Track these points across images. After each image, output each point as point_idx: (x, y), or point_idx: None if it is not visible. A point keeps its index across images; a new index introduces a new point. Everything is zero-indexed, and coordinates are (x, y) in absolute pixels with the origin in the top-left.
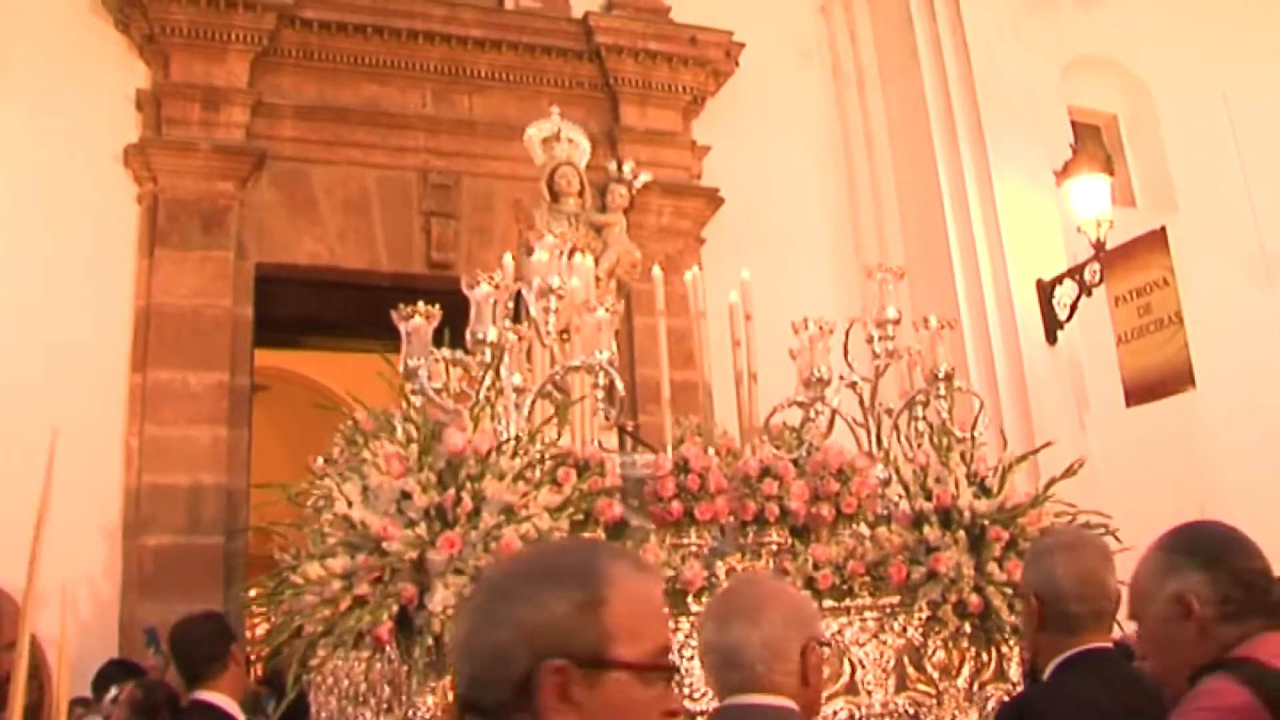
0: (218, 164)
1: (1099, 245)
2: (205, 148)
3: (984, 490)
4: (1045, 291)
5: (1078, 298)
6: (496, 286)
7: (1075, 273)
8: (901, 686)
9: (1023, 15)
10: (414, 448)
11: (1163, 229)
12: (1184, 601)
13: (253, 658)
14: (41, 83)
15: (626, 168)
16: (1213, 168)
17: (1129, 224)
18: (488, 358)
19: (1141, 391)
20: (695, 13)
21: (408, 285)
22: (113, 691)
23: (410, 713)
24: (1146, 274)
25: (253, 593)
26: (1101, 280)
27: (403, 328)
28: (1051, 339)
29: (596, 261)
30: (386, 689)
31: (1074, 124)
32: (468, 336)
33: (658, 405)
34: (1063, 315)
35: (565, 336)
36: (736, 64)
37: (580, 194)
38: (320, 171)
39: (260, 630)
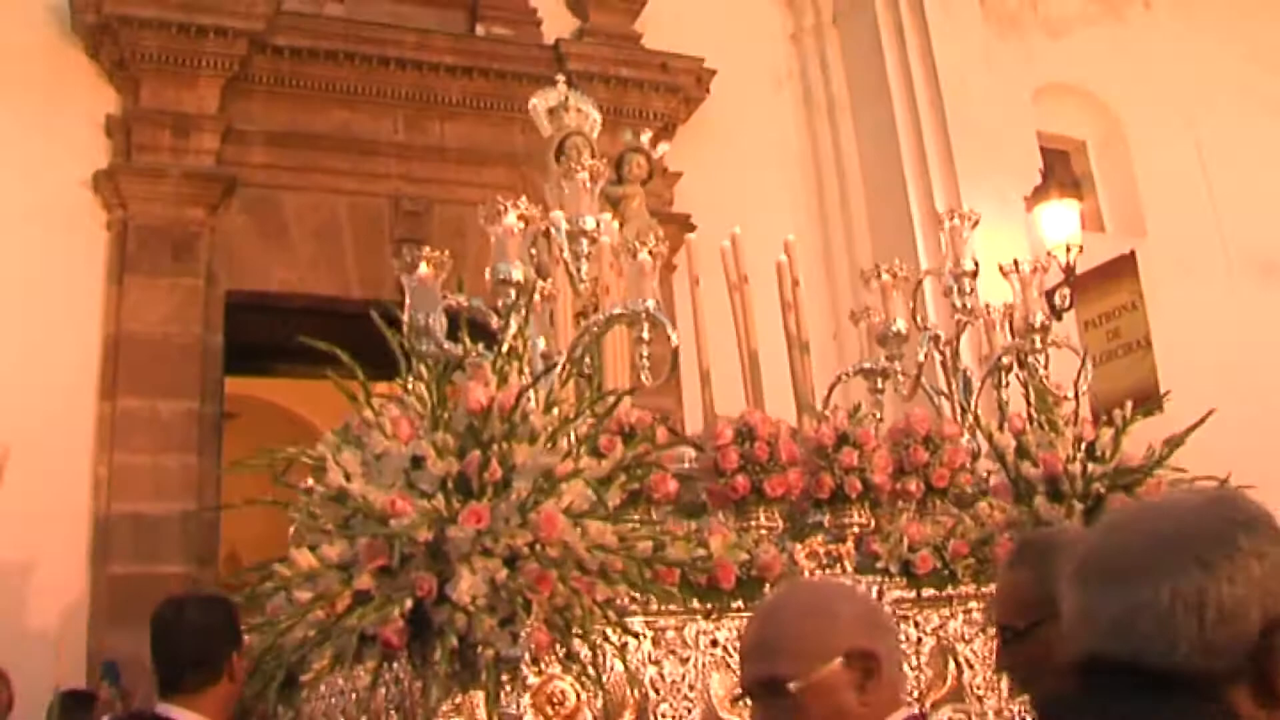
0: (188, 190)
1: (1069, 269)
2: (175, 174)
3: (1091, 455)
4: None
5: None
6: (522, 218)
7: (1045, 297)
8: None
9: (993, 42)
10: (428, 403)
11: (1132, 253)
12: None
13: None
14: (10, 108)
15: (645, 137)
16: (1181, 193)
17: (1098, 249)
18: (512, 300)
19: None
20: (666, 40)
21: (379, 312)
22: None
23: None
24: (1116, 298)
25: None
26: (1071, 304)
27: (406, 281)
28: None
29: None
30: (394, 716)
31: (1043, 150)
32: (486, 275)
33: None
34: None
35: (583, 313)
36: (708, 91)
37: None
38: (291, 198)
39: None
